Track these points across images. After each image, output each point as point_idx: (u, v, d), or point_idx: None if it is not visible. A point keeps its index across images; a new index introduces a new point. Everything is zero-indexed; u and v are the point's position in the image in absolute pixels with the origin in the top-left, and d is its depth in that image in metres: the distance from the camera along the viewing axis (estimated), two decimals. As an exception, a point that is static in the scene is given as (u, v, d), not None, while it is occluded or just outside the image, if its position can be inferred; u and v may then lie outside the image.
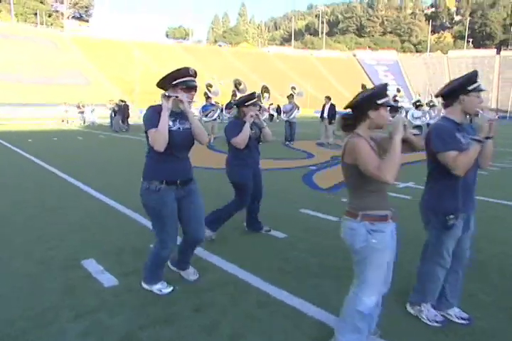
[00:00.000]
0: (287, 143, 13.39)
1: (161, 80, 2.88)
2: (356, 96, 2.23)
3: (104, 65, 51.27)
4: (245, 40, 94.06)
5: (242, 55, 72.73)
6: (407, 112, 12.64)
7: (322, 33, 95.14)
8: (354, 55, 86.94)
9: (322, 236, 4.21)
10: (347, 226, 2.21)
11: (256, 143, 4.32)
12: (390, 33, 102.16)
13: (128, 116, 18.68)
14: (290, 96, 13.77)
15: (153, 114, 2.77)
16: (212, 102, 13.49)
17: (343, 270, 3.25)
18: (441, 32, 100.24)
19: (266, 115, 13.90)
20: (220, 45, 76.78)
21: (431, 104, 13.41)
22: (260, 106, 13.73)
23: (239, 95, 13.33)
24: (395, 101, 13.53)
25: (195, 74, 2.90)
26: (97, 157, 10.13)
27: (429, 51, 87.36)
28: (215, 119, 13.40)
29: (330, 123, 13.02)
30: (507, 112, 55.37)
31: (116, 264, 3.51)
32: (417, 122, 13.12)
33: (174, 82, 2.82)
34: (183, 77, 2.81)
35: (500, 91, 72.48)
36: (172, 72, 2.85)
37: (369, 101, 2.16)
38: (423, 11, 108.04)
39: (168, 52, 64.04)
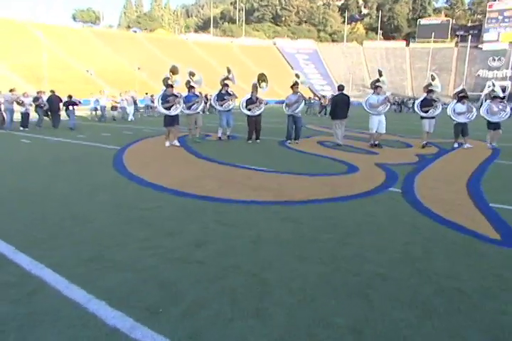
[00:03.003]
0: (289, 141, 10.83)
1: None
2: None
3: (0, 48, 44.07)
4: (161, 26, 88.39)
5: (159, 41, 67.93)
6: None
7: (241, 20, 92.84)
8: (274, 44, 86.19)
9: None
10: None
11: None
12: (306, 22, 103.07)
13: (59, 109, 14.80)
14: (294, 86, 10.93)
15: None
16: (196, 93, 11.21)
17: None
18: (353, 23, 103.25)
19: (263, 107, 11.12)
20: (134, 31, 70.92)
21: (492, 94, 10.55)
22: (257, 98, 11.11)
23: (196, 86, 11.22)
24: (430, 91, 10.59)
25: None
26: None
27: (345, 41, 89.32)
28: (198, 112, 11.07)
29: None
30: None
31: None
32: (461, 119, 10.46)
33: None
34: None
35: (413, 80, 76.49)
36: None
37: None
38: (333, 2, 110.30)
39: (76, 36, 57.40)
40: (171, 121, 9.78)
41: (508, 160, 8.95)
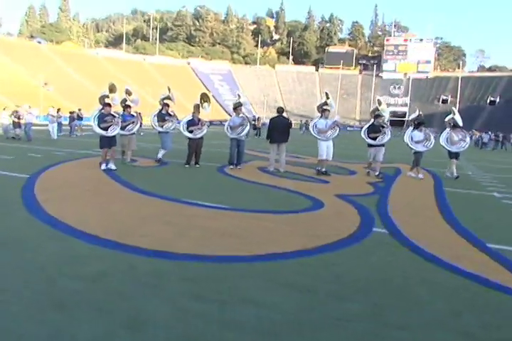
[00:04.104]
0: (231, 167, 9.92)
1: None
2: None
3: None
4: (69, 39, 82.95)
5: (67, 55, 63.49)
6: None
7: (154, 38, 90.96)
8: (188, 63, 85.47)
9: None
10: None
11: None
12: (219, 44, 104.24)
13: None
14: (238, 108, 10.09)
15: None
16: (132, 113, 10.35)
17: None
18: (266, 47, 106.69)
19: (205, 129, 10.14)
20: (39, 42, 65.50)
21: (452, 123, 9.91)
22: (199, 120, 10.27)
23: (133, 106, 10.48)
24: (377, 116, 9.98)
25: None
26: None
27: (259, 64, 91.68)
28: (133, 133, 10.18)
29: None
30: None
31: None
32: (419, 148, 9.83)
33: None
34: None
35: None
36: None
37: None
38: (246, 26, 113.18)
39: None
40: (107, 142, 9.07)
41: (454, 187, 8.85)
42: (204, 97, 10.45)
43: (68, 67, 58.81)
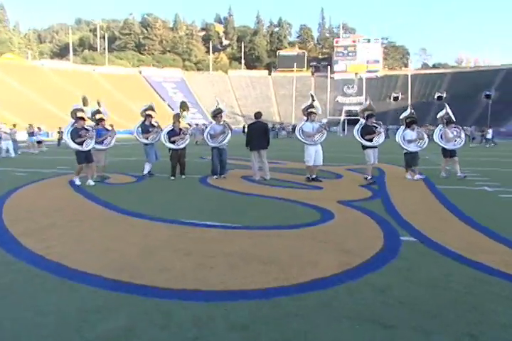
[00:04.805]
0: (215, 177, 9.45)
1: None
2: None
3: None
4: (10, 50, 78.65)
5: (9, 67, 60.02)
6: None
7: (102, 48, 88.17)
8: (140, 72, 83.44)
9: None
10: None
11: None
12: (170, 51, 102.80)
13: None
14: (218, 115, 9.61)
15: None
16: (107, 126, 9.98)
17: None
18: (217, 53, 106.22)
19: (188, 138, 9.72)
20: (-23, 55, 61.79)
21: (446, 119, 9.49)
22: (180, 129, 9.65)
23: (105, 117, 10.06)
24: (370, 115, 9.41)
25: None
26: None
27: (211, 70, 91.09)
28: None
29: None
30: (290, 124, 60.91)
31: None
32: (412, 147, 9.35)
33: None
34: None
35: (279, 106, 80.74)
36: None
37: None
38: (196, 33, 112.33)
39: None
40: (84, 157, 8.83)
41: (443, 184, 8.71)
42: (183, 106, 9.92)
43: (12, 80, 55.65)
